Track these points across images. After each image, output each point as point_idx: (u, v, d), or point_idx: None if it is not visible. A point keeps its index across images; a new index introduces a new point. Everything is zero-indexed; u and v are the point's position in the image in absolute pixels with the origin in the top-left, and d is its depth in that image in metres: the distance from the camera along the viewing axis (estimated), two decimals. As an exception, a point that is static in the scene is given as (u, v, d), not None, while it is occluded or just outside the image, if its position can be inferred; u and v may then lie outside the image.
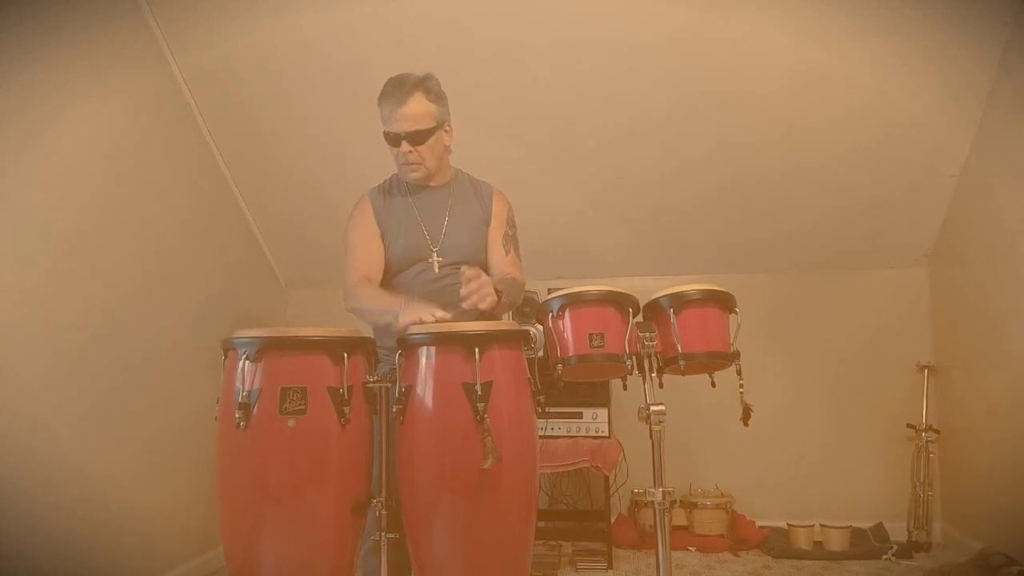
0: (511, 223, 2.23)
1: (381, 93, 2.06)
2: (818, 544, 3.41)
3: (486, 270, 2.17)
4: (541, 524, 3.58)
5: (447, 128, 2.12)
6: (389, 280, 2.12)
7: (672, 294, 1.92)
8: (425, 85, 2.05)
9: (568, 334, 1.90)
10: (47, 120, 2.42)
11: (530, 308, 3.32)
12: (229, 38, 2.99)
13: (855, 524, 3.42)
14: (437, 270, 2.09)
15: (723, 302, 1.96)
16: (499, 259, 2.16)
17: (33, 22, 2.35)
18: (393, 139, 2.06)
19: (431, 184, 2.16)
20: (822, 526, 3.40)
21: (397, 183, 2.21)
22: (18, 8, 2.29)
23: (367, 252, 2.11)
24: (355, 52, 2.95)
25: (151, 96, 2.98)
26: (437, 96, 2.07)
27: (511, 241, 2.19)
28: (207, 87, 3.17)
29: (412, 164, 2.08)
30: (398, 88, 2.03)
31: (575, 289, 1.91)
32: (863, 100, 3.03)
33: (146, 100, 2.94)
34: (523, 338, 1.82)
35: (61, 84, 2.46)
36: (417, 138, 2.04)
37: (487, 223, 2.18)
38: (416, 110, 2.02)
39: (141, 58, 2.90)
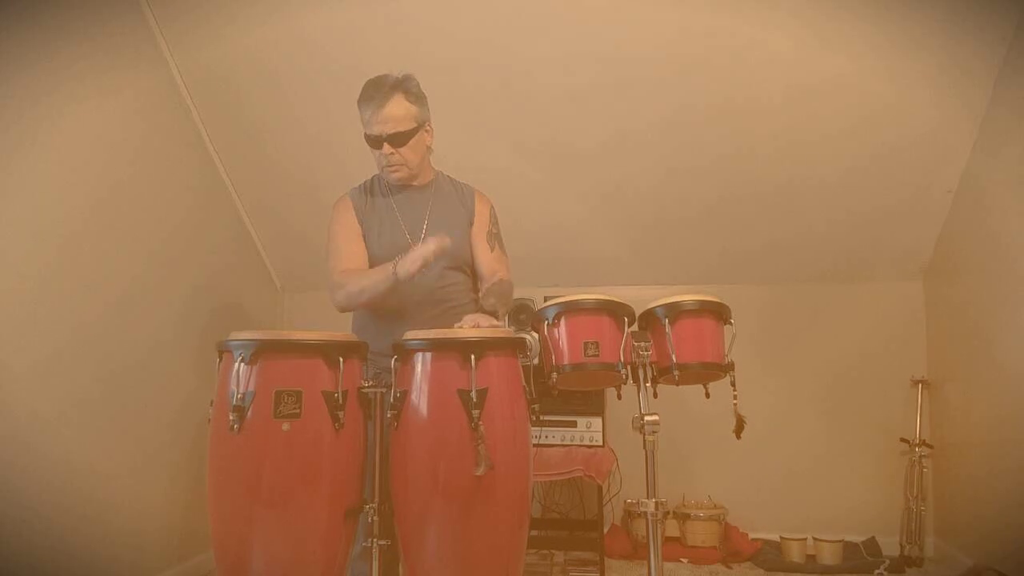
0: (494, 221, 2.24)
1: (361, 96, 2.07)
2: (810, 557, 3.40)
3: (469, 268, 2.20)
4: (534, 533, 3.57)
5: (428, 128, 2.14)
6: None
7: (667, 304, 1.92)
8: (405, 86, 2.06)
9: (563, 342, 1.90)
10: (46, 120, 2.42)
11: (526, 315, 3.32)
12: (229, 39, 2.99)
13: (848, 538, 3.41)
14: None
15: (718, 313, 1.96)
16: (486, 256, 2.17)
17: (33, 22, 2.35)
18: (375, 141, 2.07)
19: (413, 184, 2.18)
20: (815, 539, 3.40)
21: (379, 183, 2.23)
22: (18, 8, 2.29)
23: (351, 250, 2.13)
24: (356, 56, 2.95)
25: (150, 97, 2.98)
26: (417, 97, 2.09)
27: (495, 238, 2.20)
28: (206, 88, 3.18)
29: (394, 165, 2.10)
30: (378, 90, 2.04)
31: (571, 297, 1.91)
32: (861, 113, 3.04)
33: (145, 101, 2.94)
34: (519, 346, 1.83)
35: (61, 84, 2.46)
36: (398, 139, 2.06)
37: (470, 223, 2.20)
38: (397, 112, 2.04)
39: (140, 59, 2.90)
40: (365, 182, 2.26)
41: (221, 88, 3.18)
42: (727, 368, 1.95)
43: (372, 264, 2.13)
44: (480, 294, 1.99)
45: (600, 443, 3.35)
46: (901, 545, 3.44)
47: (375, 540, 1.74)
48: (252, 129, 3.35)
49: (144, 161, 2.91)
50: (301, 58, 3.06)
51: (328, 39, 2.98)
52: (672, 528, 3.55)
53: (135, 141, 2.87)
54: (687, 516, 3.54)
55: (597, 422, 3.37)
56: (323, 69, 3.07)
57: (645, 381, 1.88)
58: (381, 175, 2.20)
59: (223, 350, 1.73)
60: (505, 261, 2.22)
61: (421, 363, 1.73)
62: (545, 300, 2.01)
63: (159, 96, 3.04)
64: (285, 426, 1.64)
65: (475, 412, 1.63)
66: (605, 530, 3.46)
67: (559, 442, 3.36)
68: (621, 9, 2.80)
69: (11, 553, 2.21)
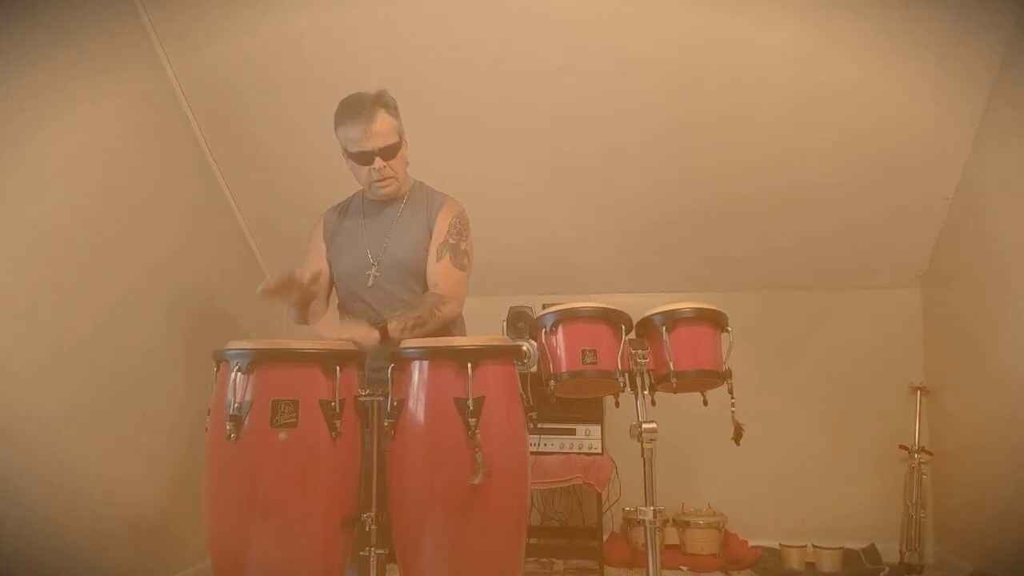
0: (455, 232, 2.19)
1: (342, 116, 2.11)
2: (810, 565, 3.39)
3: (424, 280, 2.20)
4: (532, 541, 3.56)
5: (405, 139, 2.19)
6: (337, 289, 2.27)
7: (665, 312, 1.92)
8: (383, 101, 2.12)
9: (561, 350, 1.90)
10: (43, 123, 2.41)
11: (524, 323, 3.32)
12: (226, 45, 2.99)
13: (847, 545, 3.40)
14: (371, 283, 2.14)
15: (715, 320, 1.96)
16: (431, 266, 2.15)
17: (30, 24, 2.35)
18: (365, 158, 2.10)
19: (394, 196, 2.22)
20: (814, 547, 3.39)
21: (356, 203, 2.28)
22: (15, 11, 2.29)
23: (312, 271, 2.18)
24: (354, 66, 2.96)
25: (147, 101, 2.97)
26: (395, 110, 2.15)
27: (448, 248, 2.16)
28: (203, 94, 3.17)
29: (387, 179, 2.13)
30: (362, 107, 2.09)
31: (568, 305, 1.92)
32: (858, 121, 3.04)
33: (142, 105, 2.93)
34: (516, 353, 1.83)
35: (57, 87, 2.46)
36: (389, 152, 2.11)
37: (430, 233, 2.18)
38: (384, 126, 2.09)
39: (137, 62, 2.89)
40: (342, 202, 2.31)
41: (219, 95, 3.18)
42: (725, 376, 1.95)
43: (336, 278, 2.23)
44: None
45: (599, 451, 3.34)
46: (901, 552, 3.43)
47: (372, 549, 1.73)
48: (250, 136, 3.35)
49: (141, 166, 2.91)
50: (299, 67, 3.06)
51: (325, 49, 2.99)
52: (672, 536, 3.55)
53: (132, 145, 2.86)
54: (687, 524, 3.53)
55: (596, 430, 3.36)
56: (321, 79, 3.07)
57: (643, 389, 1.88)
58: (367, 193, 2.21)
59: (220, 359, 1.73)
60: (452, 272, 2.13)
61: (418, 371, 1.73)
62: (543, 308, 2.01)
63: (156, 99, 3.03)
64: (282, 435, 1.64)
65: (472, 420, 1.64)
66: (604, 538, 3.45)
67: (558, 450, 3.35)
68: (617, 17, 2.81)
69: (11, 553, 2.20)
